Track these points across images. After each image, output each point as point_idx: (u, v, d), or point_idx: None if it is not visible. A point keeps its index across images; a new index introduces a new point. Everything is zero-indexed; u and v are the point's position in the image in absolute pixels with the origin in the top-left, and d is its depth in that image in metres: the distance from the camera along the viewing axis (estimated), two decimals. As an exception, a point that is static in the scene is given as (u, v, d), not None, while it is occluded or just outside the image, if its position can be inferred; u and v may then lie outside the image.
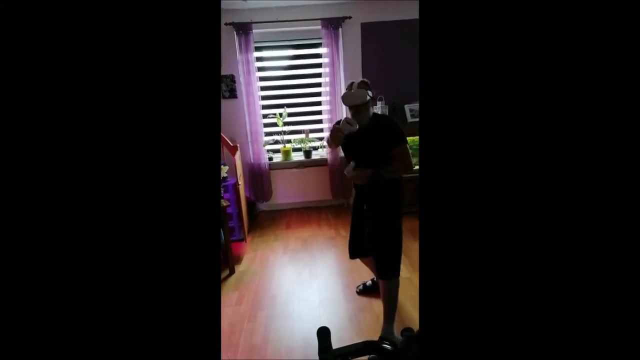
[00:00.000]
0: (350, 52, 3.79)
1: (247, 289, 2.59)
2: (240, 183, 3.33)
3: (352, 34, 3.75)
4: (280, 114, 3.91)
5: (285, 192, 4.10)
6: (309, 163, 4.03)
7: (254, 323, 2.19)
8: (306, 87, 3.99)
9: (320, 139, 4.07)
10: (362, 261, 2.26)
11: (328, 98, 3.80)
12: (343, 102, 1.87)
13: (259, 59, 3.85)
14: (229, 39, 3.65)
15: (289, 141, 4.07)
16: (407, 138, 1.86)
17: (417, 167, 3.59)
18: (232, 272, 2.81)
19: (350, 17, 3.66)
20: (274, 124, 3.98)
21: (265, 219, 3.99)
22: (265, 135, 4.00)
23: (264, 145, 3.94)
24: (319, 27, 3.65)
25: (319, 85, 3.91)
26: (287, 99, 4.00)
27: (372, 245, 1.97)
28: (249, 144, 3.92)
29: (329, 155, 3.91)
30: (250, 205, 3.97)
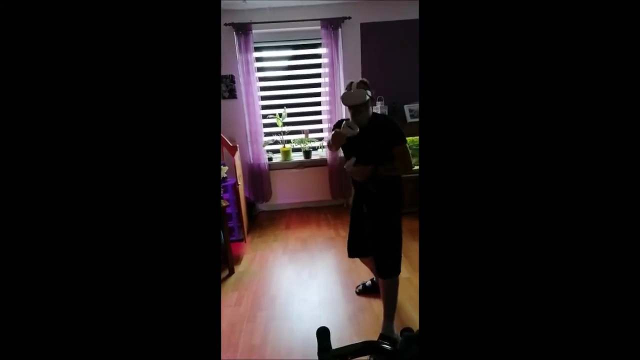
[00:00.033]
0: (349, 52, 3.79)
1: (247, 289, 2.59)
2: (239, 183, 3.33)
3: (351, 35, 3.75)
4: (280, 114, 3.91)
5: (285, 192, 4.10)
6: (308, 163, 4.03)
7: (253, 323, 2.19)
8: (306, 88, 3.99)
9: (320, 139, 4.08)
10: (362, 261, 2.26)
11: (327, 98, 3.80)
12: (342, 102, 1.87)
13: (258, 59, 3.85)
14: (228, 40, 3.65)
15: (288, 141, 4.07)
16: (407, 138, 1.86)
17: (417, 167, 3.60)
18: (231, 272, 2.81)
19: (349, 18, 3.67)
20: (274, 124, 3.98)
21: (264, 219, 3.99)
22: (265, 136, 4.00)
23: (264, 146, 3.94)
24: (319, 27, 3.65)
25: (318, 85, 3.91)
26: (286, 99, 4.00)
27: (372, 245, 1.97)
28: (249, 144, 3.92)
29: (328, 155, 3.92)
30: (250, 205, 3.97)
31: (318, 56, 3.90)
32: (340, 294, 2.43)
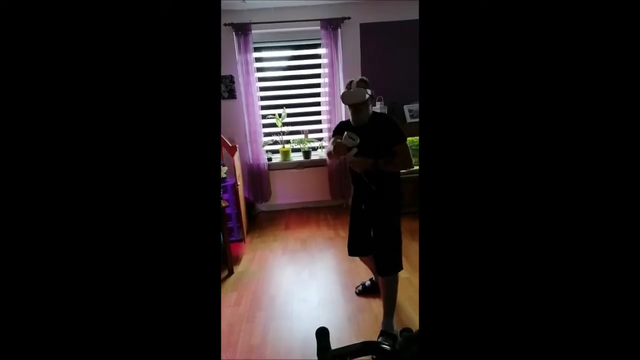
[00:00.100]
0: (349, 52, 3.79)
1: (246, 289, 2.58)
2: (239, 183, 3.33)
3: (351, 35, 3.76)
4: (280, 115, 3.91)
5: (284, 192, 4.10)
6: (308, 163, 4.03)
7: (252, 323, 2.19)
8: (305, 88, 4.00)
9: (320, 139, 4.08)
10: (362, 260, 2.27)
11: (327, 99, 3.80)
12: (342, 101, 1.88)
13: (258, 60, 3.85)
14: (228, 40, 3.65)
15: (288, 141, 4.07)
16: (407, 138, 1.87)
17: (417, 167, 3.60)
18: (230, 272, 2.80)
19: (349, 18, 3.67)
20: (273, 125, 3.98)
21: (264, 219, 3.99)
22: (264, 136, 4.00)
23: (263, 146, 3.94)
24: (318, 27, 3.66)
25: (318, 85, 3.91)
26: (286, 99, 4.00)
27: (372, 243, 1.98)
28: (248, 144, 3.92)
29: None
30: (249, 205, 3.97)
31: (317, 56, 3.90)
32: (340, 294, 2.43)
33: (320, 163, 4.01)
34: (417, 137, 3.54)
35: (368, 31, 3.76)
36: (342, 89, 3.07)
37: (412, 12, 3.58)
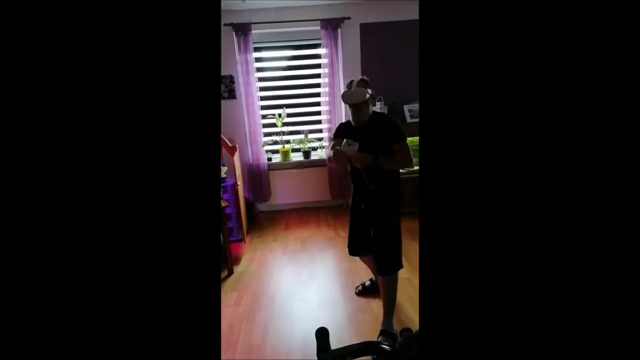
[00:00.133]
0: (349, 52, 3.79)
1: (246, 289, 2.58)
2: (239, 183, 3.33)
3: (351, 35, 3.76)
4: (279, 115, 3.91)
5: (284, 192, 4.10)
6: (308, 163, 4.03)
7: (252, 323, 2.19)
8: (305, 88, 4.00)
9: (320, 139, 4.08)
10: (362, 259, 2.27)
11: (327, 99, 3.80)
12: (343, 100, 1.88)
13: (258, 60, 3.85)
14: (227, 40, 3.65)
15: (288, 141, 4.07)
16: (407, 138, 1.87)
17: (417, 167, 3.60)
18: (230, 272, 2.80)
19: (349, 18, 3.67)
20: (273, 125, 3.98)
21: (264, 219, 3.99)
22: (264, 136, 4.00)
23: (263, 146, 3.94)
24: (318, 27, 3.66)
25: (318, 85, 3.91)
26: (286, 99, 4.00)
27: (372, 243, 1.98)
28: (248, 144, 3.92)
29: (327, 151, 3.91)
30: (249, 205, 3.97)
31: (317, 56, 3.90)
32: (340, 294, 2.43)
33: (320, 163, 4.01)
34: (417, 137, 3.54)
35: (368, 31, 3.76)
36: (342, 89, 3.07)
37: (412, 12, 3.58)
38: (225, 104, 3.78)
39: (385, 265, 1.94)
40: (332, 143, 2.05)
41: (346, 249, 2.20)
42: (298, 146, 4.04)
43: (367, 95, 1.83)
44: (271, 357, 1.91)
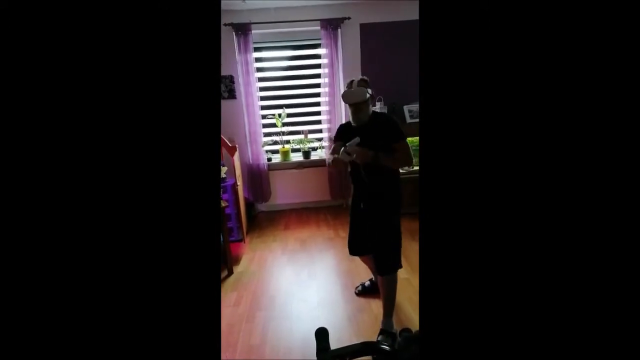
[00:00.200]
0: (349, 52, 3.79)
1: (246, 289, 2.58)
2: (239, 184, 3.33)
3: (351, 35, 3.76)
4: (279, 115, 3.91)
5: (284, 192, 4.10)
6: (307, 164, 4.03)
7: (252, 323, 2.19)
8: (305, 88, 4.00)
9: (319, 139, 4.08)
10: (362, 259, 2.27)
11: (327, 99, 3.80)
12: (343, 100, 1.89)
13: (258, 60, 3.85)
14: (228, 40, 3.65)
15: (287, 142, 4.07)
16: (407, 139, 1.87)
17: (417, 167, 3.60)
18: (230, 272, 2.80)
19: (349, 18, 3.67)
20: (273, 125, 3.98)
21: (264, 219, 3.99)
22: (264, 136, 4.00)
23: (263, 146, 3.94)
24: (318, 27, 3.66)
25: (318, 86, 3.91)
26: (286, 99, 4.00)
27: (371, 243, 1.98)
28: (248, 144, 3.92)
29: (328, 156, 3.92)
30: (249, 205, 3.97)
31: (317, 56, 3.90)
32: (340, 295, 2.43)
33: (320, 163, 4.01)
34: (417, 137, 3.54)
35: (368, 31, 3.76)
36: (342, 89, 3.07)
37: (412, 12, 3.58)
38: (225, 104, 3.78)
39: (384, 265, 1.95)
40: (332, 146, 2.06)
41: (346, 249, 2.20)
42: (298, 146, 4.04)
43: (367, 95, 1.83)
44: (271, 357, 1.91)
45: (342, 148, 1.82)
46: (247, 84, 3.71)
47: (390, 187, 1.93)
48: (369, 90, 1.85)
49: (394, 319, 2.03)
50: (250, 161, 3.94)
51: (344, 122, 2.32)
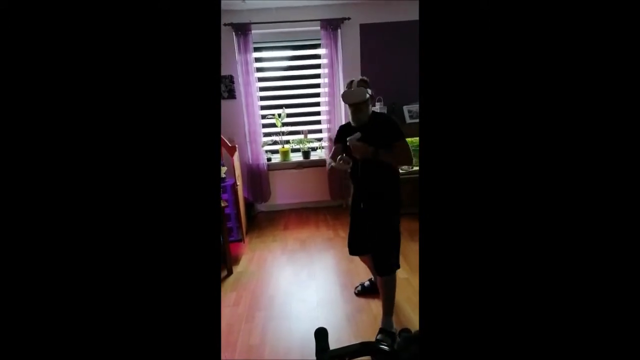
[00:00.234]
0: (349, 53, 3.79)
1: (245, 289, 2.58)
2: (238, 184, 3.33)
3: (351, 35, 3.76)
4: (279, 115, 3.91)
5: (284, 192, 4.10)
6: (307, 164, 4.03)
7: (251, 323, 2.19)
8: (305, 88, 4.00)
9: (319, 139, 4.08)
10: (361, 259, 2.27)
11: (327, 99, 3.80)
12: (343, 100, 1.89)
13: (257, 60, 3.85)
14: (227, 40, 3.65)
15: (287, 142, 4.07)
16: (407, 139, 1.87)
17: (416, 167, 3.60)
18: (229, 272, 2.80)
19: (349, 18, 3.67)
20: (273, 125, 3.98)
21: (263, 219, 3.99)
22: (264, 136, 4.00)
23: (263, 146, 3.94)
24: (318, 27, 3.66)
25: (317, 86, 3.91)
26: (285, 99, 4.00)
27: (370, 243, 1.98)
28: (248, 144, 3.92)
29: (327, 156, 3.92)
30: (249, 205, 3.97)
31: (317, 57, 3.90)
32: (339, 295, 2.43)
33: (319, 163, 4.01)
34: (417, 138, 3.54)
35: (368, 32, 3.76)
36: (342, 89, 3.07)
37: (411, 13, 3.58)
38: (224, 104, 3.78)
39: (383, 266, 1.95)
40: (333, 149, 2.06)
41: (345, 250, 2.20)
42: (298, 146, 4.04)
43: (367, 95, 1.84)
44: (270, 357, 1.91)
45: (339, 157, 1.85)
46: (247, 84, 3.71)
47: (390, 188, 1.94)
48: (369, 91, 1.86)
49: (394, 319, 2.03)
50: (250, 161, 3.94)
51: (343, 122, 2.33)
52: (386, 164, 1.86)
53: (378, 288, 2.05)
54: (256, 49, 3.80)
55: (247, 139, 3.91)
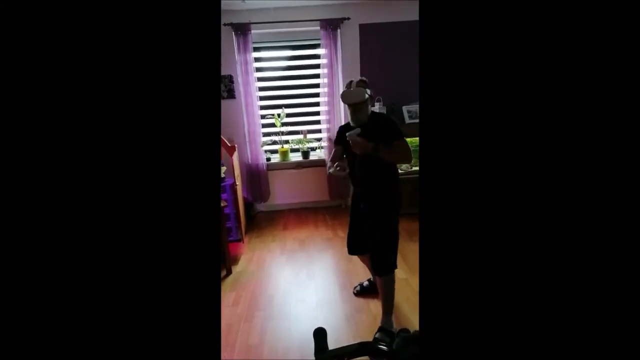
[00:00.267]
0: (348, 53, 3.80)
1: (244, 289, 2.58)
2: (237, 183, 3.33)
3: (350, 35, 3.76)
4: (279, 115, 3.91)
5: (283, 192, 4.10)
6: (306, 164, 4.03)
7: (250, 323, 2.19)
8: (304, 88, 4.00)
9: (318, 139, 4.08)
10: (360, 259, 2.28)
11: (326, 99, 3.80)
12: (342, 100, 1.89)
13: (257, 60, 3.85)
14: (227, 39, 3.65)
15: (286, 142, 4.07)
16: (407, 139, 1.87)
17: (416, 167, 3.60)
18: (229, 272, 2.80)
19: (348, 19, 3.67)
20: (272, 125, 3.98)
21: (262, 219, 3.99)
22: (263, 136, 4.00)
23: (262, 146, 3.94)
24: (318, 28, 3.66)
25: (317, 86, 3.91)
26: (285, 99, 4.00)
27: (370, 243, 1.98)
28: (247, 144, 3.92)
29: (327, 156, 3.92)
30: (248, 205, 3.97)
31: (317, 57, 3.90)
32: (338, 295, 2.44)
33: (318, 163, 4.01)
34: (416, 138, 3.54)
35: (367, 32, 3.76)
36: (342, 90, 3.07)
37: (411, 13, 3.58)
38: (224, 104, 3.78)
39: (381, 266, 1.95)
40: (333, 151, 2.07)
41: (344, 250, 2.20)
42: (297, 146, 4.04)
43: (366, 95, 1.84)
44: (269, 357, 1.91)
45: (335, 164, 1.89)
46: (247, 83, 3.71)
47: (389, 188, 1.94)
48: (368, 91, 1.86)
49: (394, 318, 2.04)
50: (249, 161, 3.94)
51: (343, 122, 2.33)
52: (385, 163, 1.86)
53: (377, 288, 2.06)
54: (256, 49, 3.80)
55: (247, 139, 3.90)
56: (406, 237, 3.07)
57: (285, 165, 4.04)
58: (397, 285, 2.03)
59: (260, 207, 4.18)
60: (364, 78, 1.95)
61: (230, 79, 3.79)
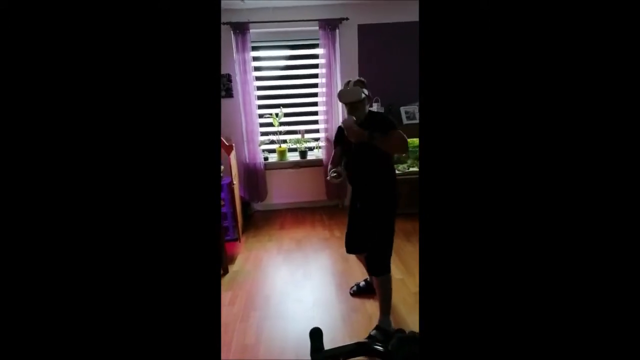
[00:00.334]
0: (346, 53, 3.80)
1: (241, 289, 2.58)
2: (235, 183, 3.33)
3: (349, 36, 3.76)
4: (276, 114, 3.91)
5: (280, 192, 4.10)
6: (304, 163, 4.03)
7: (246, 323, 2.19)
8: (302, 88, 4.00)
9: (316, 139, 4.08)
10: (358, 258, 2.29)
11: (324, 99, 3.80)
12: (339, 99, 1.89)
13: (255, 59, 3.85)
14: (226, 39, 3.64)
15: (284, 141, 4.07)
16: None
17: (416, 168, 3.61)
18: (225, 272, 2.80)
19: (347, 19, 3.68)
20: (270, 124, 3.98)
21: (259, 219, 3.99)
22: (261, 135, 3.99)
23: (260, 145, 3.93)
24: (316, 27, 3.66)
25: (315, 86, 3.91)
26: (283, 99, 4.00)
27: (369, 243, 1.99)
28: (245, 143, 3.92)
29: (324, 156, 3.92)
30: (245, 205, 3.97)
31: (315, 56, 3.90)
32: (334, 295, 2.44)
33: (316, 163, 4.01)
34: (414, 139, 3.55)
35: (366, 32, 3.76)
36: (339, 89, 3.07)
37: (410, 14, 3.59)
38: (222, 103, 3.77)
39: (376, 266, 1.96)
40: (332, 153, 2.08)
41: (341, 250, 2.21)
42: (294, 146, 4.04)
43: (363, 95, 1.84)
44: (265, 357, 1.91)
45: (332, 170, 1.92)
46: (245, 83, 3.71)
47: (386, 189, 1.94)
48: (365, 90, 1.87)
49: (391, 318, 2.04)
50: (247, 160, 3.94)
51: (340, 122, 2.33)
52: (381, 160, 1.86)
53: (374, 288, 2.06)
54: (254, 48, 3.80)
55: (244, 138, 3.90)
56: (402, 238, 3.08)
57: (282, 164, 4.04)
58: (393, 286, 2.04)
59: (257, 206, 4.17)
60: (361, 78, 1.96)
61: (228, 77, 3.78)
